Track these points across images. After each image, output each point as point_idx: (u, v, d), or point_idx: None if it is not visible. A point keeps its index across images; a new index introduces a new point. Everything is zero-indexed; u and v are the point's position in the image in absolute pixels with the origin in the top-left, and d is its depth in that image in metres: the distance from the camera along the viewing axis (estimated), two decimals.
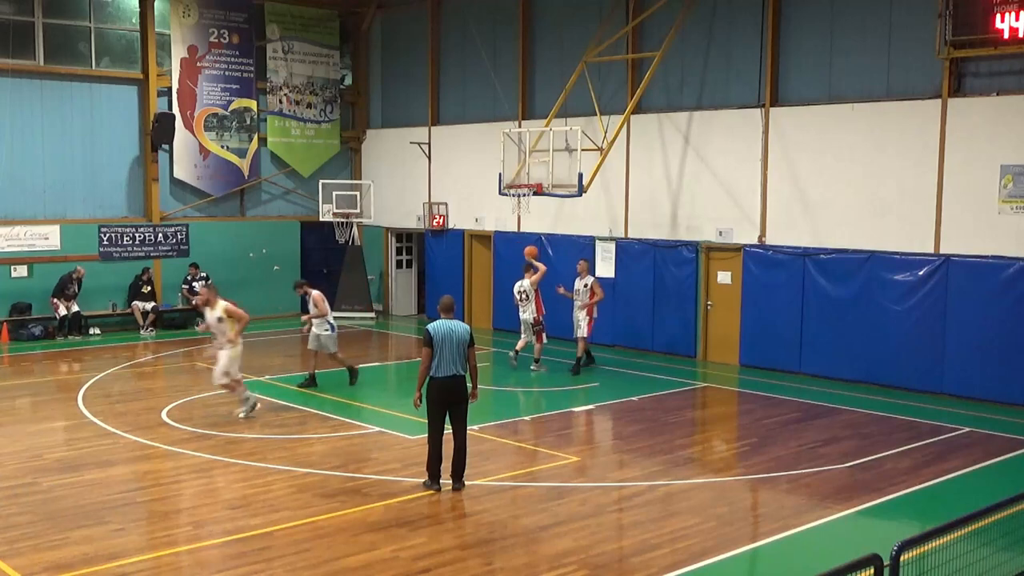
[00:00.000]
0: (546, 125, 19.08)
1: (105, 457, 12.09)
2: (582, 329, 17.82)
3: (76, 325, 21.65)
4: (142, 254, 22.90)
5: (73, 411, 14.60)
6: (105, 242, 22.33)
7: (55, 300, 21.51)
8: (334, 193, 24.73)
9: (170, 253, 23.24)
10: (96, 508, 10.13)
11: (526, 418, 14.30)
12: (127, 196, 23.33)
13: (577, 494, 10.76)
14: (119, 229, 22.64)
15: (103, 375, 17.41)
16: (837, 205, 17.35)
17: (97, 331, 22.24)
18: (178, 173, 23.78)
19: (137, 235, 22.90)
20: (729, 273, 18.89)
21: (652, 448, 12.75)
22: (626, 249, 20.19)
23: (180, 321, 23.22)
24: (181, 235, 23.47)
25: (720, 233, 18.92)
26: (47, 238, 22.03)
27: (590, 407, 15.16)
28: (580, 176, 17.98)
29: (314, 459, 12.02)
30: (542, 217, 21.41)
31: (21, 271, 21.78)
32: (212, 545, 9.22)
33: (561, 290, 18.02)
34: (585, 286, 17.82)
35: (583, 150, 18.20)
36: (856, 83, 17.22)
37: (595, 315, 17.99)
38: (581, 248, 20.94)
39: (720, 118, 18.86)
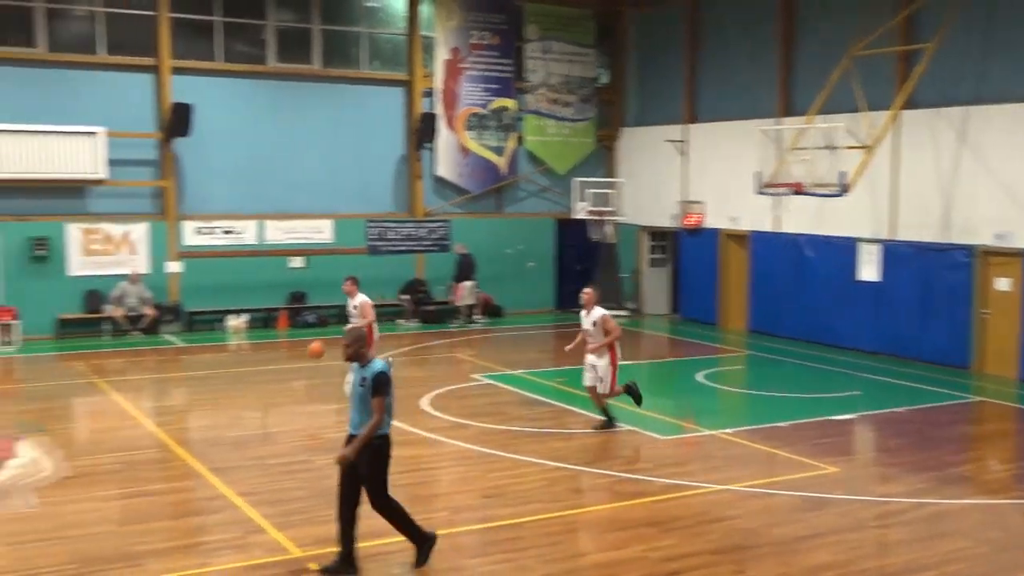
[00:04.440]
0: (807, 122, 18.44)
1: None
2: (605, 383, 13.18)
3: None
4: (406, 248, 23.92)
5: (344, 395, 15.44)
6: (372, 236, 23.48)
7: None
8: (588, 191, 24.93)
9: (432, 248, 24.15)
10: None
11: (782, 424, 13.85)
12: (393, 192, 24.52)
13: (836, 506, 10.31)
14: (385, 224, 23.76)
15: None
16: None
17: None
18: (440, 171, 24.74)
19: (402, 230, 23.96)
20: (1009, 279, 17.54)
21: (918, 463, 12.02)
22: (892, 252, 19.17)
23: (439, 315, 24.01)
24: (443, 230, 24.33)
25: (998, 236, 17.59)
26: (321, 232, 23.51)
27: (851, 416, 14.49)
28: (843, 175, 17.26)
29: (566, 454, 12.14)
30: (801, 217, 20.71)
31: (297, 262, 23.34)
32: (467, 531, 9.50)
33: (569, 348, 13.78)
34: (594, 324, 13.20)
35: (847, 148, 17.44)
36: None
37: (618, 359, 13.37)
38: (841, 250, 20.07)
39: (1002, 113, 17.52)
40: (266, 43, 22.97)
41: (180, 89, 21.69)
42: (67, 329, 20.99)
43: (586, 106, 26.35)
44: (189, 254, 22.17)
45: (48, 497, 10.26)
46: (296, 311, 23.02)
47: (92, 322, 21.21)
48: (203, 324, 22.20)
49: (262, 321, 22.70)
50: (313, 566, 8.39)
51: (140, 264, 21.64)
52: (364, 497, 8.33)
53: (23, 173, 20.32)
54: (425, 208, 24.61)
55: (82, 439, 13.42)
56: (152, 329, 21.13)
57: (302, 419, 13.90)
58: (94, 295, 21.27)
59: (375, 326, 14.89)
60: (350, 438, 8.36)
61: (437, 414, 14.16)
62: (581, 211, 24.90)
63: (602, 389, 13.18)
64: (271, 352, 20.27)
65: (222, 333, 21.91)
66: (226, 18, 22.50)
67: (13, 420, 13.87)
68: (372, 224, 23.36)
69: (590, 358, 13.18)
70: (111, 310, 21.05)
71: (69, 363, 18.43)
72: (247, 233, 22.82)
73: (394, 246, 23.73)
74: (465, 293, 23.60)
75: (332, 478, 10.93)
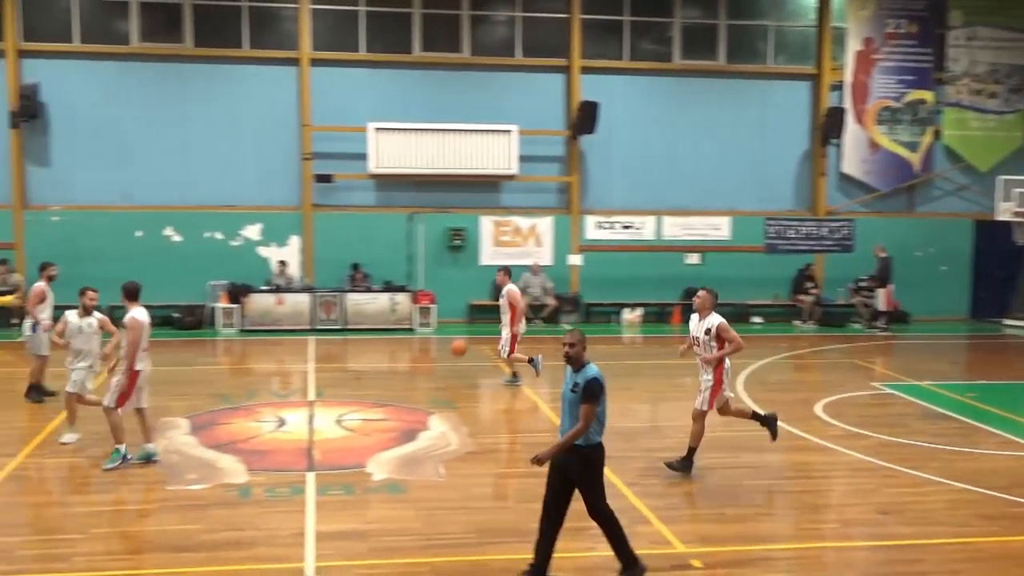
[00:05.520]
0: None
1: (760, 443, 12.39)
2: (703, 398, 11.05)
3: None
4: (805, 248, 23.15)
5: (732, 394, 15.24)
6: (771, 234, 22.98)
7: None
8: (1015, 190, 22.70)
9: (833, 248, 23.19)
10: (749, 490, 10.45)
11: None
12: (794, 190, 23.85)
13: None
14: (784, 222, 23.14)
15: (762, 363, 17.96)
16: None
17: (759, 320, 23.11)
18: (845, 168, 23.71)
19: (802, 228, 23.22)
20: None
21: None
22: None
23: (838, 318, 23.10)
24: (845, 230, 23.28)
25: None
26: (718, 228, 23.39)
27: None
28: None
29: (975, 475, 11.11)
30: None
31: (694, 259, 23.39)
32: (859, 547, 8.98)
33: (681, 349, 11.74)
34: (707, 332, 10.95)
35: None
36: None
37: (725, 375, 11.00)
38: None
39: None
40: (672, 40, 23.20)
41: (588, 87, 22.50)
42: (476, 314, 22.57)
43: (1017, 97, 24.02)
44: (589, 247, 22.96)
45: (453, 469, 11.04)
46: (690, 307, 23.01)
47: (498, 309, 22.54)
48: (599, 315, 22.91)
49: (656, 315, 23.00)
50: (696, 563, 8.33)
51: (544, 256, 22.76)
52: (566, 510, 7.98)
53: (445, 169, 22.10)
54: (828, 206, 23.69)
55: (485, 418, 14.33)
56: (552, 318, 22.14)
57: (690, 415, 13.86)
58: None
59: (522, 320, 15.63)
60: (570, 448, 7.87)
61: (832, 421, 13.56)
62: (1005, 212, 22.75)
63: (699, 404, 11.00)
64: (663, 347, 20.45)
65: (617, 325, 22.47)
66: (634, 17, 23.00)
67: (428, 395, 15.11)
68: (771, 222, 22.83)
69: (703, 376, 11.05)
70: None
71: (476, 347, 19.75)
72: (645, 229, 23.23)
73: (793, 245, 23.04)
74: (887, 297, 22.29)
75: (719, 476, 10.87)
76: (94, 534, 8.85)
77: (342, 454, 11.64)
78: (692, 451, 10.99)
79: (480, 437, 12.53)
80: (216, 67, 21.88)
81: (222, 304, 21.20)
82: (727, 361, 10.96)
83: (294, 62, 21.99)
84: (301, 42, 21.92)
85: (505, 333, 15.60)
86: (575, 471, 7.79)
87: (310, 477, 10.62)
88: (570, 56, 22.69)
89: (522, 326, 15.75)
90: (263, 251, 22.28)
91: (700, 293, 11.10)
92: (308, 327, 21.12)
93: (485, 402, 15.71)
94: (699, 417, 11.01)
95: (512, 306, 15.55)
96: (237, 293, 21.22)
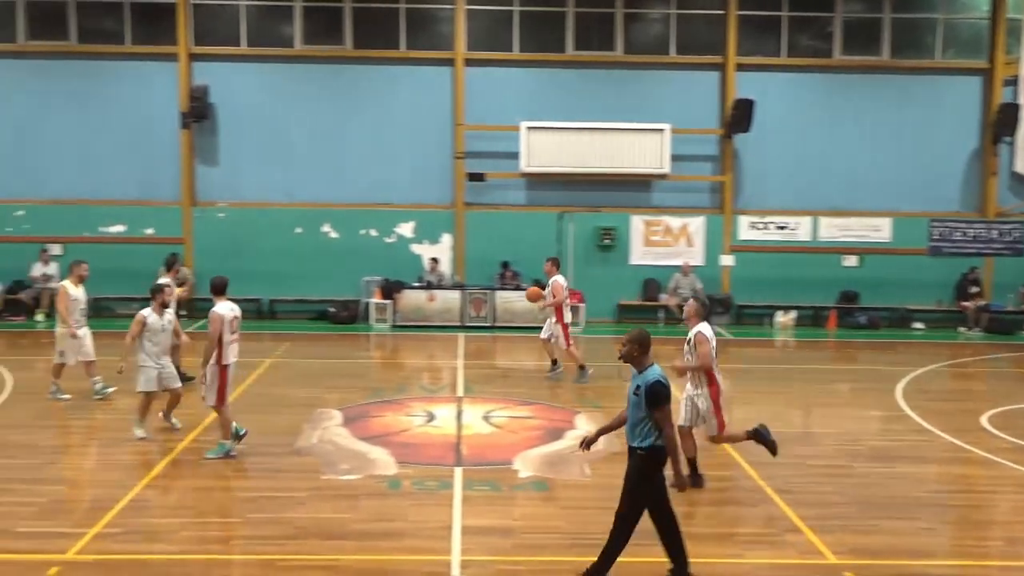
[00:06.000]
0: None
1: (919, 453, 11.93)
2: (710, 424, 10.28)
3: None
4: (972, 251, 22.07)
5: (890, 402, 14.69)
6: (935, 236, 21.99)
7: None
8: None
9: (1003, 251, 22.02)
10: (906, 502, 10.03)
11: None
12: (961, 190, 22.81)
13: None
14: (951, 224, 22.11)
15: (923, 370, 17.24)
16: None
17: (921, 326, 22.20)
18: (1019, 167, 22.54)
19: (969, 231, 22.14)
20: None
21: None
22: None
23: (1007, 325, 21.94)
24: (1017, 233, 22.07)
25: None
26: (878, 230, 22.57)
27: None
28: None
29: None
30: None
31: (851, 261, 22.63)
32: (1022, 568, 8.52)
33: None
34: (688, 342, 10.32)
35: None
36: None
37: (721, 396, 10.27)
38: None
39: None
40: (832, 36, 22.52)
41: (743, 85, 22.07)
42: (625, 314, 22.44)
43: None
44: (742, 248, 22.51)
45: (599, 469, 10.97)
46: (847, 311, 22.35)
47: (648, 309, 22.41)
48: (751, 318, 22.43)
49: (810, 319, 22.38)
50: (849, 575, 8.06)
51: (695, 256, 22.44)
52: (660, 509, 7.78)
53: (596, 168, 22.05)
54: (998, 207, 22.55)
55: None
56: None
57: (844, 422, 13.44)
58: (651, 284, 22.45)
59: (566, 311, 15.51)
60: (630, 450, 7.74)
61: (998, 433, 12.89)
62: None
63: (709, 431, 10.30)
64: (817, 351, 19.90)
65: (769, 328, 21.96)
66: (792, 13, 22.44)
67: (575, 394, 15.09)
68: (936, 223, 21.86)
69: (687, 388, 10.33)
70: (666, 299, 22.08)
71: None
72: (800, 229, 22.63)
73: (959, 248, 21.98)
74: None
75: (874, 486, 10.50)
76: (250, 519, 9.20)
77: (489, 450, 11.74)
78: (692, 464, 10.23)
79: (623, 437, 12.41)
80: (374, 68, 22.42)
81: (376, 300, 21.71)
82: (721, 381, 10.31)
83: (449, 62, 22.33)
84: (456, 42, 22.24)
85: (551, 321, 15.77)
86: (629, 468, 7.71)
87: (457, 472, 10.76)
88: (725, 53, 22.28)
89: (567, 315, 15.78)
90: (416, 248, 22.71)
91: (689, 302, 10.69)
92: (458, 324, 21.42)
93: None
94: (716, 439, 10.43)
95: (553, 296, 15.63)
96: (390, 289, 21.70)
